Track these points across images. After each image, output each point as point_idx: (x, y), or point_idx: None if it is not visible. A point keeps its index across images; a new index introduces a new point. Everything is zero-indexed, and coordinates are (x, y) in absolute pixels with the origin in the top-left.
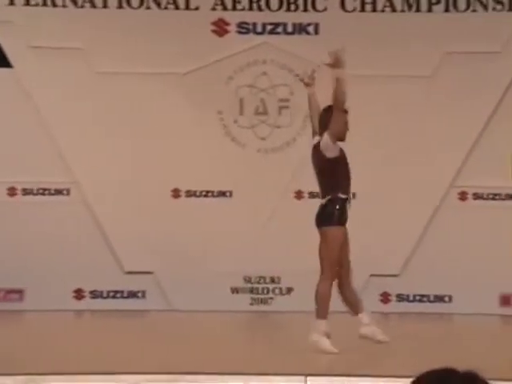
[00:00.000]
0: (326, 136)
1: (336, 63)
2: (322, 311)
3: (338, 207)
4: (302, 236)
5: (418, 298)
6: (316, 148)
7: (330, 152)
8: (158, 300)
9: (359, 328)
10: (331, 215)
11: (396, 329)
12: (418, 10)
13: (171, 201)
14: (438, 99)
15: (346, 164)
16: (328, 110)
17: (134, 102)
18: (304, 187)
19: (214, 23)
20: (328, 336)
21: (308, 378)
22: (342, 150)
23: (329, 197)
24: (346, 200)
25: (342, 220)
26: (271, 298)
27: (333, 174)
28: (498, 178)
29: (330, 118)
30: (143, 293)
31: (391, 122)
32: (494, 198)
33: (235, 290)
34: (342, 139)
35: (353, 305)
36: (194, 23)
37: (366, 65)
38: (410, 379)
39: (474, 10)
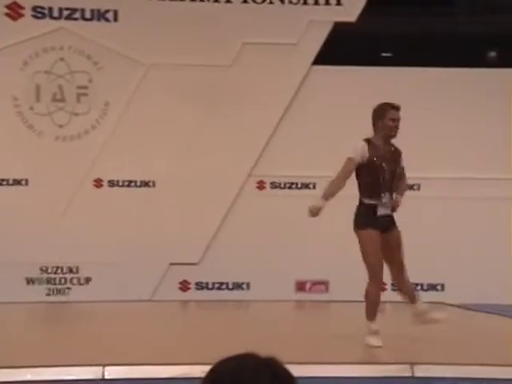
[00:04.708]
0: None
1: None
2: (370, 311)
3: (360, 211)
4: (101, 225)
5: (217, 285)
6: None
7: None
8: None
9: (417, 316)
10: (356, 219)
11: (196, 316)
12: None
13: None
14: (237, 89)
15: (377, 171)
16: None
17: None
18: (103, 176)
19: (8, 6)
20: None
21: (106, 368)
22: (374, 158)
23: (359, 201)
24: (371, 206)
25: (366, 224)
26: (69, 289)
27: (359, 178)
28: (294, 168)
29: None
30: None
31: (190, 111)
32: (290, 187)
33: (31, 281)
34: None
35: (409, 295)
36: None
37: (166, 53)
38: (209, 366)
39: (271, 2)
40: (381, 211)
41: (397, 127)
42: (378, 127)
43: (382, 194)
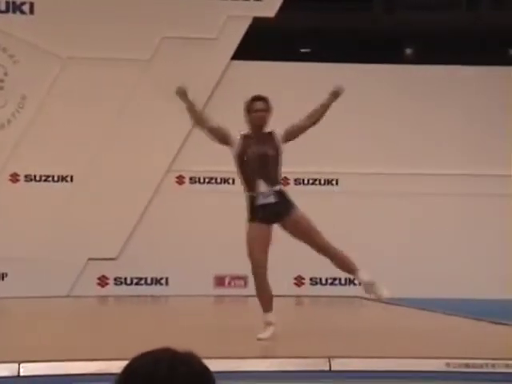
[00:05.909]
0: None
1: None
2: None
3: (247, 205)
4: (18, 220)
5: (135, 280)
6: None
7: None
8: None
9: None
10: (247, 213)
11: (114, 312)
12: None
13: None
14: (156, 84)
15: (246, 164)
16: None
17: None
18: (20, 170)
19: None
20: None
21: (21, 364)
22: (242, 153)
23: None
24: (251, 198)
25: (252, 218)
26: None
27: (240, 171)
28: (213, 163)
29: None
30: None
31: (108, 105)
32: (209, 182)
33: None
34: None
35: (343, 268)
36: None
37: (84, 47)
38: (126, 362)
39: None
40: (260, 201)
41: (261, 118)
42: (248, 121)
43: (257, 184)
